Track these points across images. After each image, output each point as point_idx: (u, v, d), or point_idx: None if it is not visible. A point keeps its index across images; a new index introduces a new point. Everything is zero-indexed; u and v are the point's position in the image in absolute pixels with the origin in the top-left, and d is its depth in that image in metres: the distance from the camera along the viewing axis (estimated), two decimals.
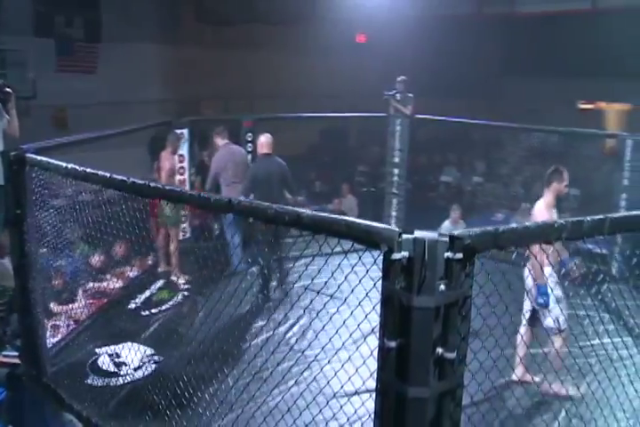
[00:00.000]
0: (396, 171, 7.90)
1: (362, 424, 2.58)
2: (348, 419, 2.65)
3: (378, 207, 8.08)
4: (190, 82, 10.80)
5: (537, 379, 3.55)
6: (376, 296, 2.02)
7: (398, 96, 7.63)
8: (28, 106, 8.14)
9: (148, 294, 5.76)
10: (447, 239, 1.87)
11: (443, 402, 1.99)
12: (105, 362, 4.42)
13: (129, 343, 4.59)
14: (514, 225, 2.00)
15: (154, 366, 4.37)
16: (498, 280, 2.24)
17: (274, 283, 5.48)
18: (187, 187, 6.88)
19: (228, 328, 4.46)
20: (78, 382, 4.06)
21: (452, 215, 7.59)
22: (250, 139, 7.05)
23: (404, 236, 1.88)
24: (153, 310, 5.41)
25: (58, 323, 5.10)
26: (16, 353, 4.45)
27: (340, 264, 2.28)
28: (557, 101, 12.28)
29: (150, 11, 10.44)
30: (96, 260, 5.91)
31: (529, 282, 3.72)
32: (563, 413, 3.29)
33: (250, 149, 6.99)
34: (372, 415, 2.02)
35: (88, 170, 3.01)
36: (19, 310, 4.02)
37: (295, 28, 11.45)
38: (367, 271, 2.15)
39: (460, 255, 1.87)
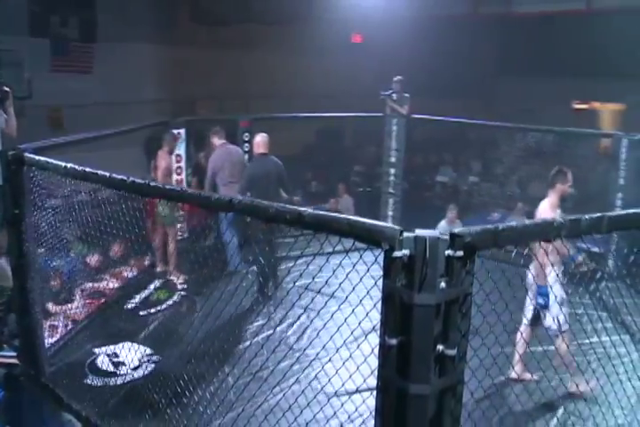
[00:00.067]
0: (392, 170, 7.92)
1: (363, 421, 2.59)
2: (349, 416, 2.66)
3: (374, 207, 8.10)
4: (185, 82, 10.80)
5: (535, 377, 3.59)
6: (375, 295, 2.04)
7: (395, 96, 7.65)
8: (23, 106, 8.12)
9: (145, 293, 5.76)
10: (448, 237, 1.89)
11: (443, 399, 2.01)
12: (103, 362, 4.42)
13: (127, 343, 4.59)
14: (513, 223, 2.02)
15: (152, 365, 4.37)
16: (497, 278, 2.25)
17: (271, 282, 5.50)
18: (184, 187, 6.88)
19: (227, 327, 4.47)
20: (77, 381, 4.06)
21: (449, 215, 7.62)
22: (246, 139, 7.06)
23: (405, 234, 1.89)
24: (151, 310, 5.41)
25: (55, 323, 5.09)
26: (13, 353, 4.44)
27: (340, 263, 2.29)
28: (552, 101, 12.33)
29: (146, 11, 10.42)
30: (93, 260, 5.91)
31: (531, 282, 3.75)
32: (561, 410, 3.32)
33: (247, 149, 6.99)
34: (373, 413, 2.03)
35: (87, 169, 3.01)
36: (17, 309, 4.02)
37: (291, 28, 11.45)
38: (368, 270, 2.17)
39: (460, 253, 1.89)
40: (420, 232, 1.90)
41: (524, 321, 3.78)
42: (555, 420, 3.29)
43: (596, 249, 6.18)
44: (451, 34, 11.95)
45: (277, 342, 3.51)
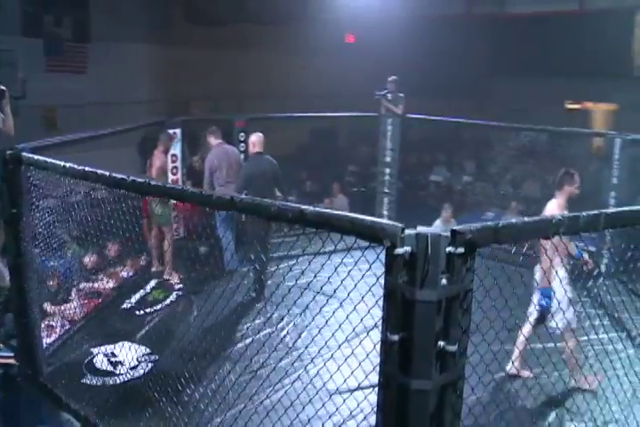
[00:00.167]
0: (387, 170, 7.95)
1: (365, 417, 2.61)
2: (350, 413, 2.68)
3: (369, 207, 8.12)
4: (180, 82, 10.79)
5: (531, 374, 3.63)
6: (376, 293, 2.06)
7: (389, 96, 7.68)
8: (17, 106, 8.09)
9: (142, 293, 5.76)
10: (449, 234, 1.92)
11: (444, 394, 2.02)
12: (101, 361, 4.41)
13: (125, 343, 4.59)
14: (513, 220, 2.04)
15: (150, 365, 4.37)
16: (496, 276, 2.28)
17: (268, 282, 5.52)
18: None
19: (226, 326, 4.49)
20: (75, 381, 4.06)
21: (444, 214, 7.65)
22: (242, 138, 7.06)
23: (407, 231, 1.92)
24: (147, 310, 5.41)
25: (52, 323, 5.08)
26: (10, 353, 4.44)
27: (342, 261, 2.31)
28: (545, 101, 12.41)
29: (140, 10, 10.42)
30: (89, 260, 5.90)
31: (537, 282, 3.78)
32: (559, 404, 3.36)
33: (242, 149, 7.00)
34: (375, 408, 2.05)
35: (87, 168, 3.02)
36: (15, 309, 4.01)
37: (285, 28, 11.46)
38: (370, 268, 2.18)
39: (461, 250, 1.91)
40: (421, 229, 1.92)
41: (529, 319, 3.82)
42: (553, 414, 3.33)
43: (587, 247, 6.24)
44: (444, 34, 12.00)
45: (277, 340, 3.53)
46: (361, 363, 2.41)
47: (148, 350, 4.56)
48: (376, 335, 2.06)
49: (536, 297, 3.82)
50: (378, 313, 2.06)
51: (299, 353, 3.48)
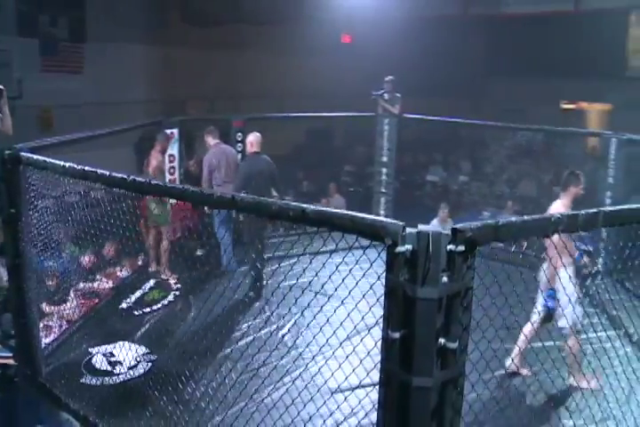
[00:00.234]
0: (384, 170, 7.97)
1: (366, 414, 2.62)
2: (352, 410, 2.69)
3: (365, 206, 8.15)
4: (176, 82, 10.79)
5: (529, 372, 3.66)
6: (375, 292, 2.07)
7: (386, 96, 7.70)
8: (13, 106, 8.06)
9: (140, 293, 5.76)
10: (449, 232, 1.94)
11: (445, 391, 2.04)
12: (100, 361, 4.41)
13: (123, 343, 4.59)
14: (513, 218, 2.06)
15: (149, 364, 4.38)
16: (496, 274, 2.30)
17: (269, 280, 5.54)
18: None
19: (226, 326, 4.50)
20: (74, 381, 4.06)
21: (441, 214, 7.68)
22: (239, 138, 7.07)
23: (408, 229, 1.93)
24: (145, 310, 5.41)
25: (50, 323, 5.08)
26: (8, 354, 4.43)
27: (343, 260, 2.33)
28: (541, 101, 12.46)
29: (136, 11, 10.40)
30: (87, 260, 5.90)
31: (542, 282, 3.79)
32: (558, 401, 3.40)
33: (239, 149, 7.01)
34: (376, 406, 2.06)
35: (87, 168, 3.02)
36: (14, 309, 4.00)
37: (282, 28, 11.47)
38: (371, 265, 2.20)
39: (462, 248, 1.93)
40: (422, 227, 1.94)
41: (534, 318, 3.84)
42: (552, 412, 3.36)
43: (584, 247, 6.28)
44: (440, 34, 12.04)
45: (278, 339, 3.54)
46: (362, 361, 2.42)
47: (146, 350, 4.56)
48: (377, 333, 2.08)
49: (541, 297, 3.82)
50: (378, 311, 2.07)
51: (300, 351, 3.49)
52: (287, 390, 2.99)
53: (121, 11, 10.20)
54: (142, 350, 4.57)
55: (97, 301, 5.58)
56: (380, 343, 2.01)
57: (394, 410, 2.06)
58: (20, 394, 4.45)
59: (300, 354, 3.42)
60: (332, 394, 2.84)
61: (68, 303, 5.32)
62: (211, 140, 6.46)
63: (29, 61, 9.38)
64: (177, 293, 5.82)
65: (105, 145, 6.36)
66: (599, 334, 3.68)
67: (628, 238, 3.32)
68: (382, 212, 8.02)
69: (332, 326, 2.54)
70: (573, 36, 12.02)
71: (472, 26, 12.57)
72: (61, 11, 10.08)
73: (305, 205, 2.17)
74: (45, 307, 5.14)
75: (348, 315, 2.40)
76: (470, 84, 13.67)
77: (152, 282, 6.06)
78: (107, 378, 4.20)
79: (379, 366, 2.03)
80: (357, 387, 2.99)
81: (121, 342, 4.61)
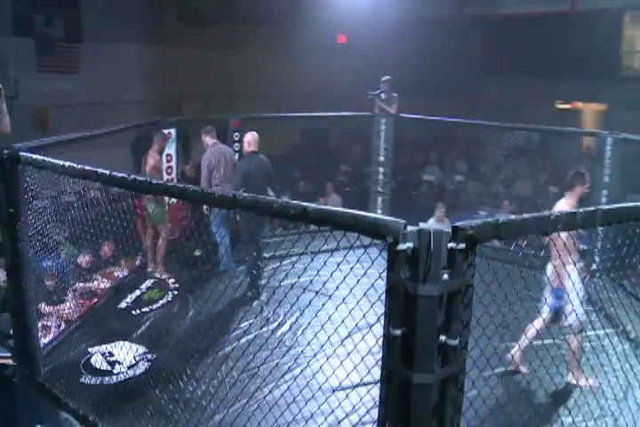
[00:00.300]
0: (381, 169, 7.99)
1: (367, 411, 2.64)
2: (353, 407, 2.71)
3: (362, 206, 8.17)
4: (172, 82, 10.79)
5: (527, 370, 3.70)
6: (376, 289, 2.08)
7: (383, 95, 7.71)
8: (9, 106, 8.05)
9: (138, 293, 5.76)
10: (450, 230, 1.95)
11: (446, 387, 2.06)
12: (98, 361, 4.42)
13: (122, 342, 4.59)
14: (513, 217, 2.08)
15: (148, 363, 4.38)
16: (495, 272, 2.32)
17: (270, 279, 5.56)
18: None
19: (225, 325, 4.51)
20: (73, 381, 4.06)
21: (437, 213, 7.70)
22: (237, 138, 7.08)
23: (409, 227, 1.95)
24: (144, 309, 5.41)
25: (47, 323, 5.08)
26: (6, 354, 4.43)
27: (344, 258, 2.34)
28: (536, 101, 12.51)
29: (132, 11, 10.40)
30: (85, 260, 5.90)
31: (546, 280, 3.80)
32: (557, 398, 3.43)
33: (237, 149, 7.02)
34: (377, 403, 2.07)
35: (87, 167, 3.03)
36: (13, 309, 4.00)
37: (278, 28, 11.49)
38: (373, 263, 2.21)
39: (462, 245, 1.95)
40: (423, 225, 1.96)
41: (540, 318, 3.86)
42: (551, 408, 3.39)
43: (580, 246, 6.31)
44: (436, 34, 12.08)
45: (277, 337, 3.54)
46: (363, 358, 2.44)
47: (145, 349, 4.57)
48: (377, 331, 2.09)
49: (549, 297, 3.82)
50: (379, 309, 2.09)
51: (301, 349, 3.50)
52: (289, 387, 3.00)
53: (117, 11, 10.20)
54: (141, 349, 4.58)
55: (95, 300, 5.58)
56: (380, 341, 2.02)
57: (395, 407, 2.07)
58: (18, 394, 4.45)
59: (302, 352, 3.43)
60: (333, 392, 2.85)
61: (66, 303, 5.32)
62: (208, 140, 6.47)
63: (25, 61, 9.37)
64: (175, 292, 5.82)
65: (102, 145, 6.36)
66: (597, 331, 3.72)
67: (625, 236, 3.35)
68: (379, 211, 8.03)
69: (333, 323, 2.56)
70: (569, 37, 12.07)
71: (468, 26, 12.61)
72: (57, 11, 10.07)
73: (306, 204, 2.18)
74: (44, 307, 5.14)
75: (350, 313, 2.41)
76: (466, 84, 13.72)
77: (150, 282, 6.06)
78: (106, 377, 4.21)
79: (379, 363, 2.04)
80: (359, 384, 3.01)
81: (120, 342, 4.61)
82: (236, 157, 6.87)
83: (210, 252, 6.33)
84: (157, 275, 6.17)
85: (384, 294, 2.02)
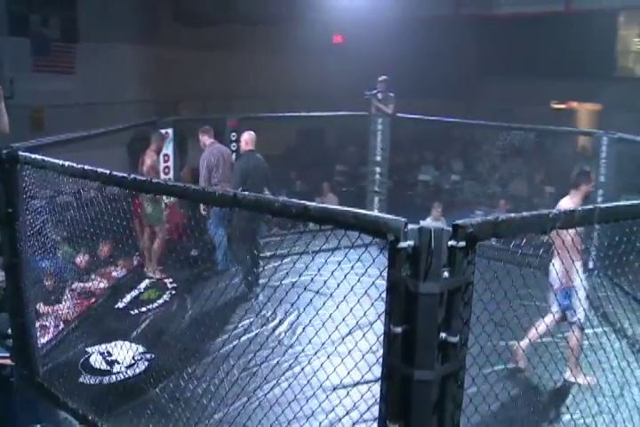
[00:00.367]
0: (377, 169, 8.01)
1: (368, 408, 2.66)
2: (354, 404, 2.73)
3: (358, 206, 8.16)
4: (168, 82, 10.78)
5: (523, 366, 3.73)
6: (377, 287, 2.10)
7: (380, 95, 7.73)
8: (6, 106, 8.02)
9: (135, 293, 5.77)
10: (450, 228, 1.97)
11: (446, 384, 2.08)
12: (97, 360, 4.42)
13: (120, 342, 4.59)
14: (512, 215, 2.10)
15: (147, 363, 4.39)
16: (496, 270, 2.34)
17: (260, 279, 5.58)
18: None
19: (224, 324, 4.51)
20: (72, 380, 4.06)
21: (434, 213, 7.73)
22: (234, 138, 7.09)
23: (410, 226, 1.97)
24: (142, 309, 5.42)
25: (45, 323, 5.07)
26: (5, 354, 4.42)
27: (345, 256, 2.35)
28: (532, 101, 12.56)
29: (128, 11, 10.39)
30: (82, 260, 5.90)
31: (554, 279, 3.81)
32: (556, 395, 3.46)
33: (234, 149, 7.03)
34: (378, 400, 2.09)
35: (87, 167, 3.03)
36: (11, 309, 4.00)
37: (274, 28, 11.49)
38: (374, 260, 2.23)
39: (462, 243, 1.97)
40: (424, 223, 1.98)
41: (547, 318, 3.87)
42: (550, 405, 3.42)
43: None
44: (432, 35, 12.12)
45: (278, 336, 3.54)
46: (364, 356, 2.46)
47: (143, 349, 4.57)
48: (378, 329, 2.11)
49: (559, 295, 3.82)
50: (380, 307, 2.10)
51: (302, 348, 3.51)
52: (290, 385, 3.02)
53: (113, 11, 10.20)
54: (140, 348, 4.58)
55: (93, 300, 5.58)
56: (381, 339, 2.04)
57: (395, 403, 2.09)
58: (16, 394, 4.44)
59: (303, 350, 3.44)
60: (334, 389, 2.86)
61: (64, 303, 5.32)
62: (206, 140, 6.48)
63: (21, 61, 9.34)
64: (173, 292, 5.82)
65: (99, 145, 6.35)
66: (595, 329, 3.75)
67: (622, 234, 3.38)
68: (376, 211, 8.05)
69: (334, 321, 2.57)
70: (564, 37, 12.12)
71: (464, 26, 12.64)
72: (53, 10, 10.05)
73: (308, 202, 2.20)
74: (42, 307, 5.13)
75: (351, 310, 2.43)
76: (462, 84, 13.75)
77: (147, 282, 6.06)
78: (105, 377, 4.21)
79: (380, 360, 2.06)
80: (359, 382, 3.02)
81: (118, 342, 4.62)
82: (233, 157, 6.88)
83: (207, 251, 6.34)
84: (152, 275, 6.17)
85: (384, 292, 2.03)
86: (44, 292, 5.17)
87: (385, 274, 2.02)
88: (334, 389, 2.92)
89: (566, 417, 3.13)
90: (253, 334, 4.30)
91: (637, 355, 4.00)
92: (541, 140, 10.51)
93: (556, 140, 10.25)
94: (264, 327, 4.44)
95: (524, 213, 2.11)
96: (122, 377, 4.20)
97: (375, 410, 2.13)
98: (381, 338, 2.04)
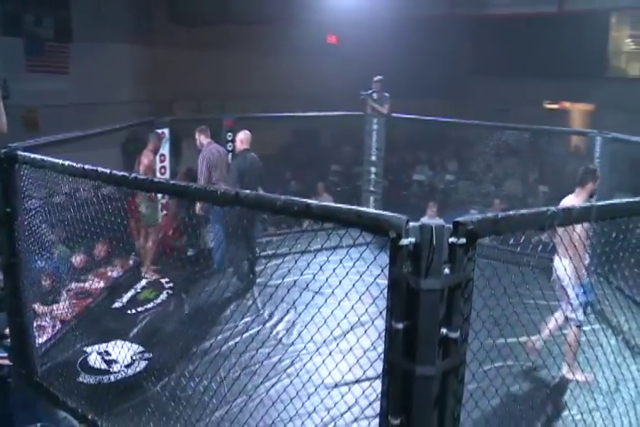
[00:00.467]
0: (372, 169, 8.03)
1: (369, 404, 2.68)
2: (355, 400, 2.75)
3: (353, 205, 8.17)
4: (163, 82, 10.77)
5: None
6: (378, 284, 2.11)
7: (375, 95, 7.76)
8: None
9: (132, 293, 5.77)
10: (451, 226, 2.00)
11: (447, 379, 2.11)
12: (95, 360, 4.42)
13: (118, 341, 4.59)
14: (511, 212, 2.13)
15: (145, 362, 4.39)
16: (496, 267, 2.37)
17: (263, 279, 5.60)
18: None
19: (224, 323, 4.52)
20: (70, 380, 4.06)
21: (429, 212, 7.76)
22: (230, 138, 7.11)
23: (411, 223, 2.00)
24: (139, 309, 5.42)
25: (42, 323, 5.07)
26: (3, 354, 4.42)
27: (346, 254, 2.37)
28: (525, 101, 12.62)
29: (123, 11, 10.38)
30: (79, 260, 5.89)
31: (560, 274, 3.83)
32: (554, 392, 3.50)
33: (230, 148, 7.05)
34: (379, 396, 2.11)
35: (86, 166, 3.04)
36: (10, 309, 4.00)
37: (269, 28, 11.50)
38: (375, 258, 2.25)
39: (463, 240, 2.00)
40: (425, 221, 2.01)
41: (557, 315, 3.89)
42: (546, 399, 3.46)
43: None
44: (426, 35, 12.16)
45: (278, 334, 3.55)
46: (366, 352, 2.48)
47: (141, 348, 4.58)
48: (379, 326, 2.13)
49: (572, 293, 3.82)
50: (381, 305, 2.12)
51: (304, 345, 3.53)
52: (291, 382, 3.03)
53: (107, 10, 10.17)
54: (138, 348, 4.59)
55: (90, 300, 5.57)
56: (382, 335, 2.06)
57: (397, 399, 2.12)
58: (15, 394, 4.44)
59: (305, 347, 3.46)
60: (335, 386, 2.88)
61: (61, 303, 5.31)
62: (203, 139, 6.48)
63: (14, 61, 9.29)
64: (170, 291, 5.83)
65: (96, 145, 6.33)
66: (593, 326, 3.79)
67: (618, 231, 3.42)
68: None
69: (335, 319, 2.60)
70: (557, 37, 12.20)
71: (459, 27, 12.69)
72: (47, 10, 10.01)
73: (309, 201, 2.22)
74: (39, 307, 5.12)
75: (352, 307, 2.45)
76: (455, 84, 13.81)
77: (144, 282, 6.06)
78: (104, 376, 4.21)
79: (381, 357, 2.08)
80: (360, 378, 3.04)
81: (116, 341, 4.62)
82: (229, 156, 6.89)
83: (203, 251, 6.35)
84: (146, 275, 6.17)
85: (385, 289, 2.06)
86: (42, 292, 5.16)
87: (386, 271, 2.04)
88: (336, 385, 2.95)
89: (564, 413, 3.17)
90: (254, 331, 4.32)
91: (632, 351, 4.04)
92: (535, 139, 10.57)
93: (550, 140, 10.31)
94: (265, 325, 4.45)
95: (524, 211, 2.14)
96: (121, 376, 4.21)
97: (376, 406, 2.15)
98: (382, 335, 2.07)
